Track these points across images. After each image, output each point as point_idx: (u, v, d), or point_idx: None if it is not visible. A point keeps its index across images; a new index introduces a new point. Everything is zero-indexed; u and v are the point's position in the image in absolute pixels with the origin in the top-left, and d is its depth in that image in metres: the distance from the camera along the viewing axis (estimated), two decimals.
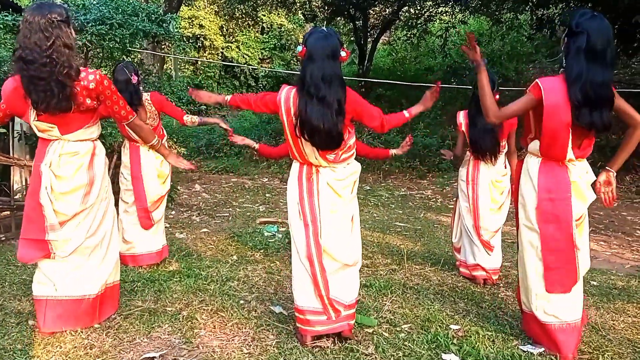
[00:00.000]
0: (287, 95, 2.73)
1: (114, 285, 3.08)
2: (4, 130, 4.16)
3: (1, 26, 4.36)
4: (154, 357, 2.55)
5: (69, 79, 2.63)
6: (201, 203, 8.46)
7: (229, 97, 2.97)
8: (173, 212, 7.33)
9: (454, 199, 4.60)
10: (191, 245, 5.23)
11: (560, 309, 2.77)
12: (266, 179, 11.21)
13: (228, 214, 7.48)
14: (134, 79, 3.96)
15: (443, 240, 6.15)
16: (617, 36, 10.72)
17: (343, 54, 2.67)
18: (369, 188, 10.47)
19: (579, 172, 2.74)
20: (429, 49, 18.89)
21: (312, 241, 2.71)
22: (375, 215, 7.91)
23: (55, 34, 2.60)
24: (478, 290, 4.00)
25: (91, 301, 2.86)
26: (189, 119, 4.25)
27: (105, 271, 2.96)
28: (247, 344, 2.76)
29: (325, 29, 2.76)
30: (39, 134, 2.82)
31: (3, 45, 4.17)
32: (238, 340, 2.81)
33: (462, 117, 4.22)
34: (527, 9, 12.10)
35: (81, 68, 2.74)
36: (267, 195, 9.43)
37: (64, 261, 2.82)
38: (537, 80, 2.71)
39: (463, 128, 4.20)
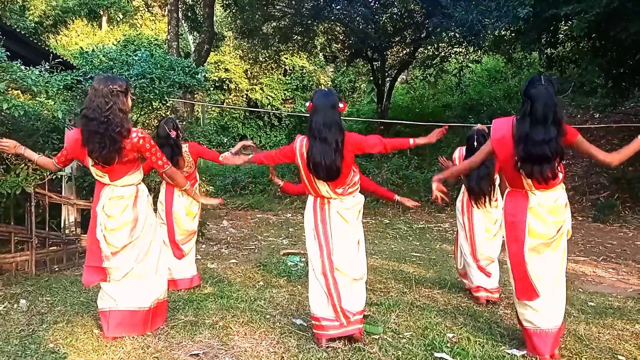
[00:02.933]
0: (300, 144, 3.39)
1: (163, 301, 3.69)
2: (64, 173, 4.88)
3: (61, 85, 5.10)
4: (199, 354, 3.14)
5: (120, 136, 3.27)
6: (229, 237, 9.05)
7: (251, 156, 3.66)
8: (204, 246, 7.92)
9: (455, 230, 5.08)
10: (222, 273, 5.80)
11: (535, 317, 3.25)
12: (289, 215, 11.76)
13: (254, 247, 8.04)
14: (173, 134, 4.62)
15: (455, 268, 6.56)
16: (632, 70, 11.15)
17: (341, 105, 3.34)
18: (388, 221, 10.90)
19: (540, 200, 3.21)
20: (447, 86, 19.49)
21: (326, 259, 3.30)
22: (392, 246, 8.32)
23: (114, 100, 3.27)
24: (480, 308, 4.43)
25: (145, 313, 3.48)
26: (223, 158, 4.87)
27: (157, 290, 3.58)
28: (273, 346, 3.33)
29: (326, 89, 3.46)
30: (95, 177, 3.50)
31: (66, 102, 4.91)
32: (265, 343, 3.38)
33: (457, 156, 4.78)
34: (536, 48, 12.65)
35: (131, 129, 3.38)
36: (290, 229, 9.94)
37: (119, 283, 3.46)
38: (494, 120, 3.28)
39: (457, 162, 4.76)
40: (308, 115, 3.39)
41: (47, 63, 4.83)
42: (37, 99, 4.94)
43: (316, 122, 3.28)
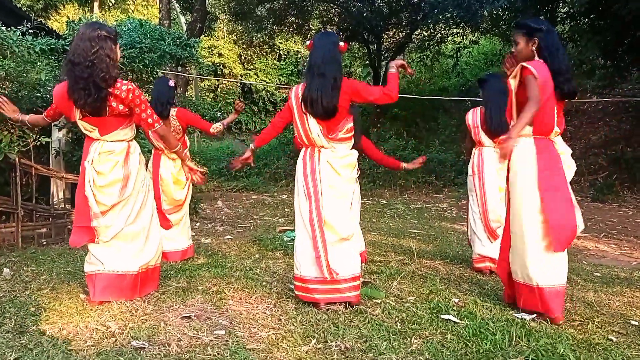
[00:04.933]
0: (296, 90, 3.30)
1: (155, 268, 3.50)
2: (49, 140, 4.68)
3: (46, 49, 4.89)
4: (190, 316, 2.95)
5: (104, 82, 3.08)
6: (224, 217, 8.87)
7: (253, 145, 3.54)
8: (197, 224, 7.74)
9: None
10: (216, 247, 5.62)
11: (553, 274, 3.08)
12: (285, 196, 11.57)
13: (249, 225, 7.87)
14: (172, 83, 4.50)
15: (455, 243, 6.41)
16: (630, 48, 10.95)
17: (342, 44, 3.23)
18: (385, 202, 10.76)
19: (560, 146, 3.15)
20: (443, 70, 19.32)
21: (315, 210, 3.15)
22: (391, 224, 8.18)
23: (100, 45, 3.09)
24: (484, 278, 4.28)
25: (133, 277, 3.28)
26: (215, 129, 4.68)
27: (147, 254, 3.39)
28: (270, 309, 3.15)
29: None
30: (84, 132, 3.30)
31: (47, 69, 4.69)
32: (262, 307, 3.20)
33: (470, 118, 4.59)
34: None
35: (118, 80, 3.19)
36: (286, 209, 9.76)
37: (108, 245, 3.26)
38: (523, 64, 3.07)
39: (470, 122, 4.60)
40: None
41: (28, 23, 4.60)
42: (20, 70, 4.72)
43: (315, 58, 3.21)
